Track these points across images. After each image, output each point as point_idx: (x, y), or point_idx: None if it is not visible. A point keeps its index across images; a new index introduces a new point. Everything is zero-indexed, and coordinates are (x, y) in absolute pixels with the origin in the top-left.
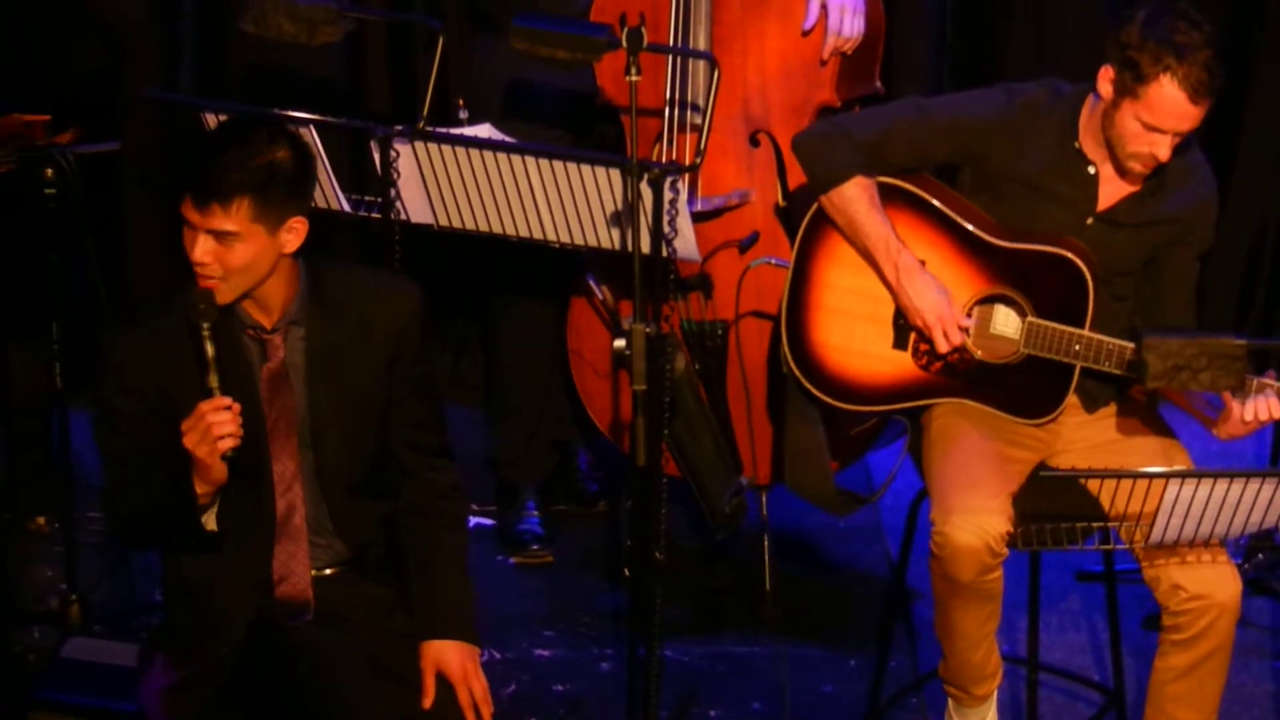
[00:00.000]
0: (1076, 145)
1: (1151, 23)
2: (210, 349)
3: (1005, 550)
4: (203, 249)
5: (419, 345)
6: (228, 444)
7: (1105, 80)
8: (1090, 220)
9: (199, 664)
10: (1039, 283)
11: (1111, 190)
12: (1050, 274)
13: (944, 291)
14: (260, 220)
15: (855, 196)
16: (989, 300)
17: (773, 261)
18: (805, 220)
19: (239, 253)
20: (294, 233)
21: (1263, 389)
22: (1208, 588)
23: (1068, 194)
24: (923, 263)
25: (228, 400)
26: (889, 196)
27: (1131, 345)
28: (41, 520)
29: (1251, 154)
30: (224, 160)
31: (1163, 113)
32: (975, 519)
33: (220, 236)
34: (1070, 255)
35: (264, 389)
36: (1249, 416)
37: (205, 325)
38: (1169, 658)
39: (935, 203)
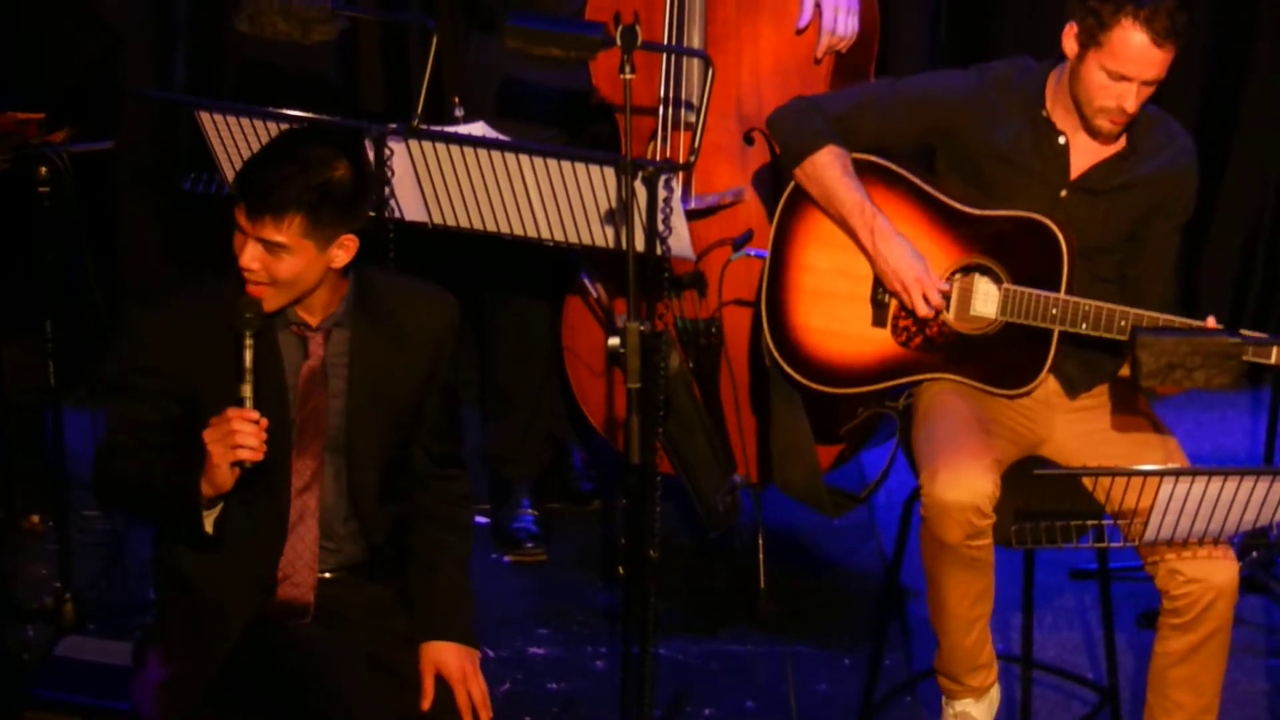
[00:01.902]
0: (1044, 114)
1: None
2: (249, 358)
3: (993, 515)
4: (250, 255)
5: (454, 357)
6: (244, 455)
7: (1069, 36)
8: (1064, 192)
9: (193, 659)
10: (1014, 249)
11: (1083, 159)
12: (1025, 240)
13: (920, 257)
14: (311, 236)
15: (828, 164)
16: (966, 270)
17: (751, 253)
18: (781, 201)
19: (287, 264)
20: (344, 249)
21: None
22: (1205, 571)
23: (1039, 166)
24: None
25: (257, 415)
26: (862, 171)
27: (1109, 306)
28: (36, 518)
29: (1245, 152)
30: (282, 173)
31: (1126, 58)
32: (961, 477)
33: (269, 246)
34: (1044, 220)
35: (300, 387)
36: None
37: (248, 334)
38: (1168, 642)
39: (907, 175)
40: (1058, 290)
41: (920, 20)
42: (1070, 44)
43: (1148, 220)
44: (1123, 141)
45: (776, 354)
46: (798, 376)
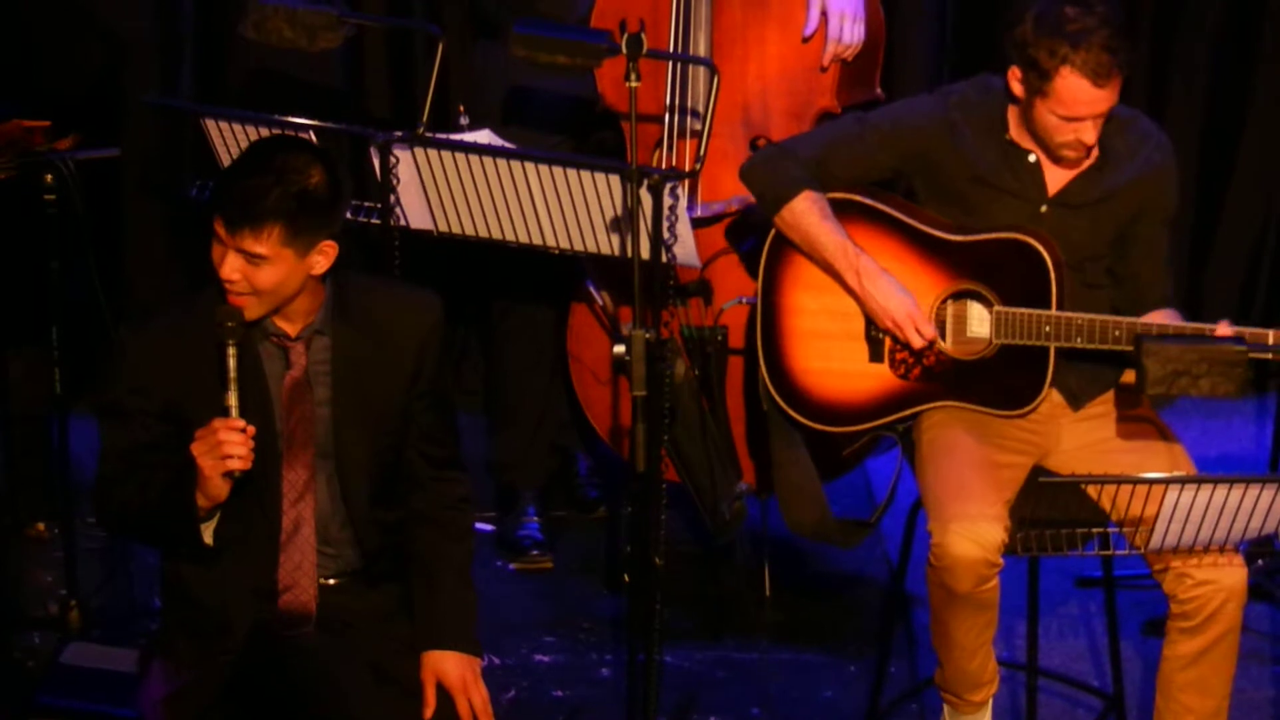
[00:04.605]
0: (1008, 138)
1: (1042, 16)
2: (233, 367)
3: (1002, 561)
4: (231, 266)
5: (439, 357)
6: (234, 465)
7: (1015, 81)
8: (1045, 208)
9: (198, 670)
10: (1000, 271)
11: (1059, 174)
12: (1009, 260)
13: (907, 292)
14: (290, 245)
15: (806, 210)
16: (956, 297)
17: (743, 300)
18: (765, 248)
19: (267, 274)
20: (324, 255)
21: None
22: (1214, 574)
23: (1015, 185)
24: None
25: (243, 423)
26: (840, 210)
27: (1101, 317)
28: (41, 526)
29: (1252, 154)
30: (258, 185)
31: (1072, 102)
32: (973, 529)
33: (250, 258)
34: (1025, 238)
35: (284, 398)
36: None
37: (231, 343)
38: (1177, 646)
39: (886, 209)
40: (1049, 307)
41: (926, 28)
42: (1016, 87)
43: (1134, 222)
44: (1095, 153)
45: (778, 398)
46: (802, 419)
